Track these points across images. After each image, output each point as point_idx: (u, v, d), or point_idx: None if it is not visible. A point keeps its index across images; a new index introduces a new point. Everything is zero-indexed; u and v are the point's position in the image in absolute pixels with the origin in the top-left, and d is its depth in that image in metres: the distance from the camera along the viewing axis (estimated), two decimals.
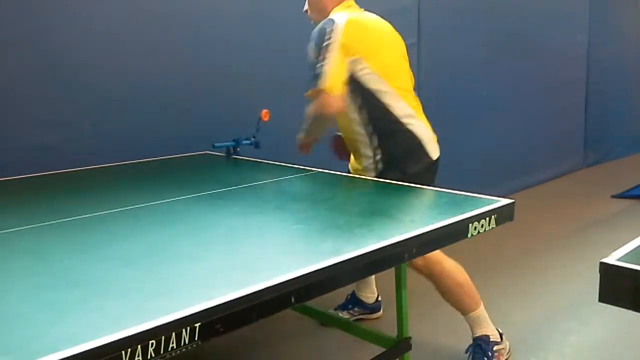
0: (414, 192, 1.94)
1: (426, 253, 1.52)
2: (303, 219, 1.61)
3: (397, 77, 2.24)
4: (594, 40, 5.91)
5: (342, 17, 2.17)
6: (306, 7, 2.39)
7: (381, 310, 2.75)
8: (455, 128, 4.28)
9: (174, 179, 2.23)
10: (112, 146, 2.56)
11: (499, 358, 2.25)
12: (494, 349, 2.24)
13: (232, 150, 2.56)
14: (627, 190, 4.95)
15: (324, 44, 2.12)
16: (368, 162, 2.26)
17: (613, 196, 4.90)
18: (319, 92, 2.12)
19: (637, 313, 1.05)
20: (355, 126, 2.25)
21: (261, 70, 3.08)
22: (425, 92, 3.98)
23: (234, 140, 2.55)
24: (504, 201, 1.70)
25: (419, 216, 1.74)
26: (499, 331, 2.28)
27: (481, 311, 2.26)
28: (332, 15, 2.21)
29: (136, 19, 2.65)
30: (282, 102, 2.78)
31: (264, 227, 1.55)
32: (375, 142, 2.24)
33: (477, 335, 2.26)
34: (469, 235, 1.55)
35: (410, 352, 1.95)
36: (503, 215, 1.66)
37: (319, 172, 2.21)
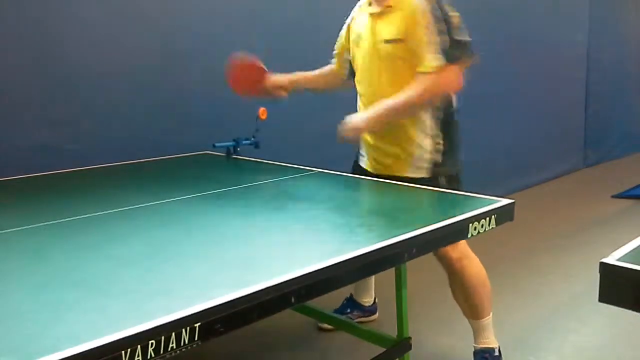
0: (414, 192, 1.94)
1: (426, 253, 1.52)
2: (303, 219, 1.61)
3: None
4: (594, 40, 5.90)
5: None
6: None
7: (377, 313, 2.74)
8: None
9: (174, 179, 2.23)
10: (112, 146, 2.56)
11: None
12: None
13: (232, 150, 2.55)
14: (627, 190, 4.95)
15: (448, 14, 2.03)
16: (420, 151, 2.10)
17: (613, 196, 4.90)
18: (454, 65, 2.02)
19: (637, 313, 1.05)
20: (423, 113, 2.10)
21: None
22: None
23: (234, 140, 2.55)
24: (504, 201, 1.70)
25: (419, 216, 1.74)
26: (498, 345, 2.24)
27: (491, 320, 2.21)
28: None
29: (136, 19, 2.65)
30: (278, 99, 2.77)
31: (264, 227, 1.55)
32: (440, 129, 2.10)
33: (483, 346, 2.21)
34: (469, 235, 1.55)
35: (410, 352, 1.94)
36: (503, 215, 1.66)
37: (319, 172, 2.21)
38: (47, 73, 2.39)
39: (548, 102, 5.40)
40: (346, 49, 2.33)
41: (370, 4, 2.17)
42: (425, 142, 2.11)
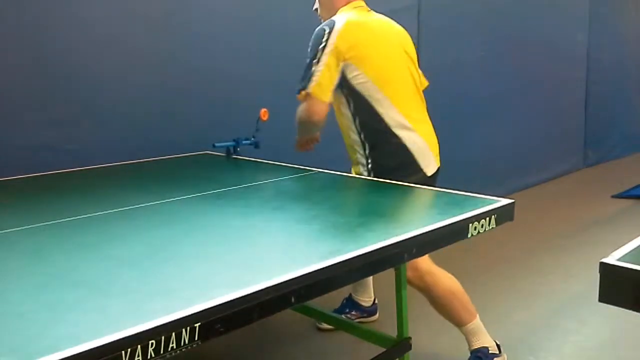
0: (414, 192, 1.94)
1: (426, 253, 1.53)
2: (303, 219, 1.61)
3: (393, 85, 2.19)
4: (594, 40, 5.91)
5: (342, 19, 2.15)
6: (316, 5, 2.36)
7: (377, 314, 2.74)
8: (455, 128, 4.27)
9: (174, 179, 2.23)
10: (112, 146, 2.56)
11: None
12: None
13: (232, 150, 2.56)
14: (627, 190, 4.95)
15: (320, 46, 2.11)
16: (362, 169, 2.25)
17: (613, 196, 4.90)
18: (307, 96, 2.13)
19: (637, 313, 1.05)
20: (350, 131, 2.24)
21: (261, 70, 3.08)
22: (425, 92, 3.97)
23: (234, 140, 2.55)
24: (504, 201, 1.70)
25: (419, 216, 1.74)
26: (496, 342, 2.24)
27: (477, 322, 2.21)
28: (335, 16, 2.19)
29: (136, 19, 2.65)
30: (282, 102, 2.77)
31: (264, 227, 1.55)
32: (367, 150, 2.22)
33: (475, 347, 2.21)
34: (469, 235, 1.55)
35: (410, 352, 1.94)
36: (503, 215, 1.66)
37: (319, 172, 2.21)
38: (47, 73, 2.39)
39: (548, 102, 5.40)
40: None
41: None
42: (362, 161, 2.25)
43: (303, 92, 2.14)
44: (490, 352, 2.20)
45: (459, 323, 2.21)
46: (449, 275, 2.22)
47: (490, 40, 4.59)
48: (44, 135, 2.39)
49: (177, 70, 2.79)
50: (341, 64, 2.11)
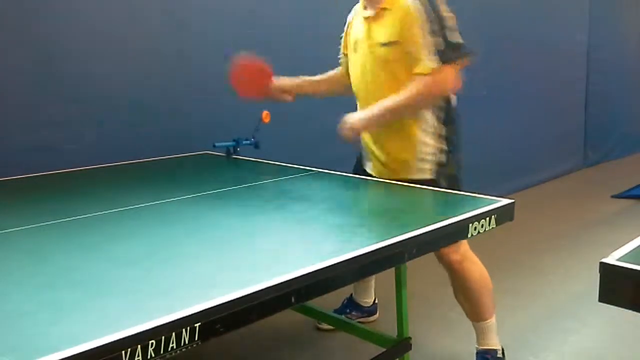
0: (414, 192, 1.94)
1: (426, 253, 1.52)
2: (303, 219, 1.61)
3: None
4: (594, 40, 5.90)
5: None
6: None
7: (377, 313, 2.74)
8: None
9: (174, 179, 2.23)
10: (112, 146, 2.56)
11: None
12: None
13: (232, 150, 2.56)
14: (627, 190, 4.95)
15: (444, 14, 2.00)
16: (425, 152, 2.08)
17: (613, 196, 4.90)
18: (450, 66, 1.99)
19: (637, 313, 1.05)
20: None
21: None
22: None
23: (234, 140, 2.55)
24: (504, 201, 1.70)
25: (419, 216, 1.74)
26: (502, 347, 2.23)
27: (494, 322, 2.20)
28: None
29: (136, 19, 2.65)
30: (282, 102, 2.77)
31: (264, 227, 1.55)
32: (443, 130, 2.09)
33: (486, 347, 2.20)
34: (469, 235, 1.55)
35: (410, 352, 1.95)
36: (503, 215, 1.66)
37: (319, 172, 2.21)
38: (47, 73, 2.39)
39: (548, 102, 5.40)
40: (346, 54, 2.34)
41: (365, 8, 2.15)
42: (429, 143, 2.09)
43: (441, 66, 1.98)
44: (498, 355, 2.20)
45: (479, 317, 2.19)
46: (482, 265, 2.19)
47: (490, 40, 4.59)
48: (44, 135, 2.39)
49: (177, 70, 2.79)
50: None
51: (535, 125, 5.24)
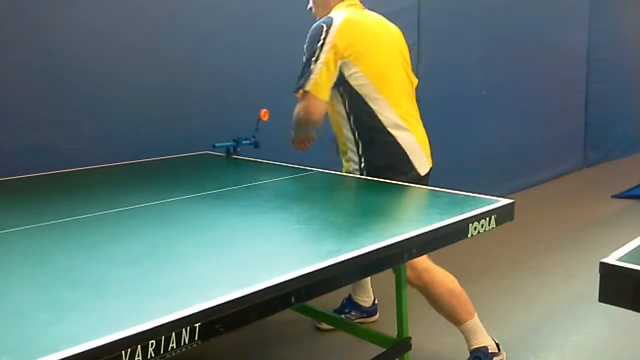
0: (414, 192, 1.94)
1: (426, 253, 1.52)
2: (303, 219, 1.61)
3: (389, 83, 2.20)
4: (594, 40, 5.91)
5: (340, 16, 2.15)
6: (310, 4, 2.36)
7: (377, 314, 2.74)
8: (455, 128, 4.28)
9: (174, 179, 2.23)
10: (112, 146, 2.56)
11: None
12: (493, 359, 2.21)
13: (232, 150, 2.56)
14: (627, 190, 4.95)
15: (318, 44, 2.10)
16: (354, 167, 2.25)
17: (613, 196, 4.90)
18: (305, 95, 2.13)
19: (637, 313, 1.05)
20: (344, 129, 2.25)
21: (261, 70, 3.08)
22: (425, 92, 3.96)
23: (234, 140, 2.55)
24: (504, 201, 1.70)
25: (419, 216, 1.74)
26: (495, 341, 2.23)
27: (476, 321, 2.21)
28: (331, 13, 2.19)
29: (136, 19, 2.65)
30: (282, 102, 2.77)
31: (264, 227, 1.55)
32: (361, 148, 2.22)
33: (475, 347, 2.20)
34: (469, 235, 1.55)
35: (410, 352, 1.95)
36: (503, 215, 1.66)
37: (319, 172, 2.21)
38: (47, 73, 2.39)
39: (548, 102, 5.40)
40: None
41: None
42: (354, 158, 2.26)
43: (301, 91, 2.14)
44: (490, 351, 2.20)
45: (457, 322, 2.21)
46: (447, 273, 2.22)
47: (490, 40, 4.59)
48: (44, 135, 2.39)
49: (178, 70, 2.79)
50: (339, 62, 2.11)
51: (535, 125, 5.24)
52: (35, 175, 2.20)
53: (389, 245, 1.35)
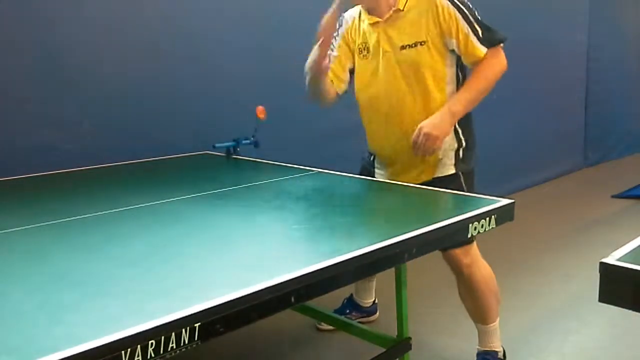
0: (414, 192, 1.94)
1: (426, 253, 1.52)
2: (303, 219, 1.61)
3: None
4: (594, 40, 5.90)
5: None
6: None
7: (377, 313, 2.74)
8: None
9: (174, 179, 2.23)
10: (112, 146, 2.56)
11: None
12: None
13: (232, 150, 2.56)
14: (627, 190, 4.95)
15: (466, 2, 2.02)
16: (446, 150, 2.08)
17: (613, 196, 4.90)
18: (499, 47, 2.03)
19: (637, 313, 1.05)
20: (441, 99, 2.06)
21: (261, 70, 3.08)
22: None
23: (234, 140, 2.55)
24: (504, 201, 1.70)
25: (419, 216, 1.74)
26: (502, 348, 2.24)
27: (497, 325, 2.21)
28: None
29: (136, 19, 2.65)
30: (282, 102, 2.77)
31: (264, 227, 1.55)
32: (462, 126, 2.09)
33: (486, 349, 2.20)
34: (469, 235, 1.55)
35: (410, 352, 1.94)
36: (503, 215, 1.66)
37: (319, 172, 2.21)
38: (47, 73, 2.39)
39: (548, 102, 5.40)
40: (344, 64, 2.22)
41: (368, 13, 2.10)
42: (448, 141, 2.07)
43: (500, 45, 2.05)
44: (498, 357, 2.20)
45: (483, 320, 2.19)
46: (490, 268, 2.19)
47: None
48: (44, 135, 2.39)
49: (178, 70, 2.79)
50: None
51: (535, 125, 5.24)
52: (35, 175, 2.20)
53: (389, 245, 1.35)
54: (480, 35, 1.99)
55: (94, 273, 1.21)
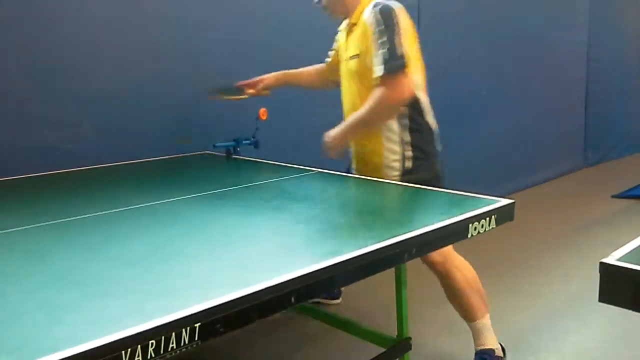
0: (414, 192, 1.94)
1: (426, 253, 1.53)
2: (303, 219, 1.61)
3: (421, 72, 2.19)
4: (594, 40, 5.91)
5: (393, 3, 2.09)
6: (324, 1, 2.25)
7: (340, 298, 2.79)
8: (456, 128, 4.27)
9: (174, 179, 2.23)
10: (112, 146, 2.56)
11: None
12: None
13: (232, 150, 2.56)
14: (627, 190, 4.95)
15: (392, 25, 2.01)
16: (391, 159, 2.14)
17: (613, 196, 4.90)
18: (397, 75, 1.98)
19: (637, 313, 1.05)
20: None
21: (261, 70, 3.08)
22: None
23: (234, 140, 2.55)
24: (504, 201, 1.70)
25: (419, 216, 1.74)
26: (501, 344, 2.23)
27: (487, 320, 2.20)
28: (374, 2, 2.10)
29: (136, 18, 2.65)
30: (283, 102, 2.77)
31: (264, 227, 1.55)
32: (408, 137, 2.13)
33: (481, 348, 2.20)
34: (469, 235, 1.55)
35: (410, 352, 1.94)
36: (503, 215, 1.66)
37: (319, 172, 2.21)
38: (47, 73, 2.39)
39: (548, 102, 5.40)
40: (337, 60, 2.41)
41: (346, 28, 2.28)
42: (394, 150, 2.14)
43: (383, 75, 2.00)
44: (496, 354, 2.20)
45: (469, 318, 2.20)
46: (470, 267, 2.21)
47: (490, 40, 4.59)
48: (44, 135, 2.39)
49: (178, 70, 2.79)
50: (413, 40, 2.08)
51: (535, 125, 5.24)
52: (35, 175, 2.20)
53: (389, 245, 1.35)
54: (383, 58, 2.00)
55: (94, 273, 1.21)
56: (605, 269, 1.05)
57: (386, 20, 2.02)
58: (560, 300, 2.90)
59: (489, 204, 1.66)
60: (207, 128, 2.85)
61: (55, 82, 2.41)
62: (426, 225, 1.47)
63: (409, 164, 2.14)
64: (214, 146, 2.51)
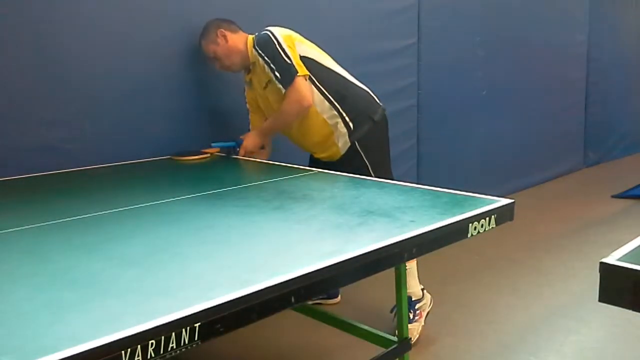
0: (414, 192, 1.94)
1: (426, 253, 1.52)
2: (303, 219, 1.61)
3: (318, 50, 2.56)
4: (594, 40, 5.91)
5: (265, 29, 2.48)
6: (217, 65, 2.62)
7: (339, 297, 2.85)
8: (455, 128, 4.27)
9: (173, 179, 2.23)
10: (112, 146, 2.56)
11: (421, 315, 2.47)
12: (416, 307, 2.42)
13: (232, 151, 2.56)
14: (627, 190, 4.95)
15: (272, 50, 2.40)
16: (337, 130, 2.47)
17: (613, 196, 4.90)
18: (295, 81, 2.36)
19: (637, 313, 1.05)
20: (315, 103, 2.45)
21: None
22: (425, 91, 3.97)
23: (234, 141, 2.55)
24: (504, 201, 1.70)
25: (419, 216, 1.74)
26: (420, 286, 2.44)
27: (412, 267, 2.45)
28: (253, 37, 2.52)
29: (136, 18, 2.65)
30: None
31: (264, 227, 1.55)
32: (339, 106, 2.47)
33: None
34: (469, 235, 1.55)
35: (410, 352, 1.95)
36: (503, 215, 1.66)
37: (319, 172, 2.21)
38: (47, 73, 2.39)
39: (548, 102, 5.40)
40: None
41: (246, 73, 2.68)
42: (335, 120, 2.49)
43: (287, 87, 2.38)
44: (413, 299, 2.41)
45: None
46: None
47: (490, 40, 4.60)
48: (44, 135, 2.39)
49: (178, 70, 2.79)
50: (294, 44, 2.45)
51: (535, 125, 5.24)
52: (35, 175, 2.20)
53: (389, 245, 1.35)
54: (280, 77, 2.41)
55: (94, 273, 1.21)
56: (605, 268, 1.05)
57: (265, 49, 2.43)
58: (560, 300, 2.90)
59: (488, 204, 1.66)
60: (207, 128, 2.85)
61: (55, 82, 2.41)
62: (426, 225, 1.47)
63: (351, 125, 2.49)
64: (211, 145, 2.52)
